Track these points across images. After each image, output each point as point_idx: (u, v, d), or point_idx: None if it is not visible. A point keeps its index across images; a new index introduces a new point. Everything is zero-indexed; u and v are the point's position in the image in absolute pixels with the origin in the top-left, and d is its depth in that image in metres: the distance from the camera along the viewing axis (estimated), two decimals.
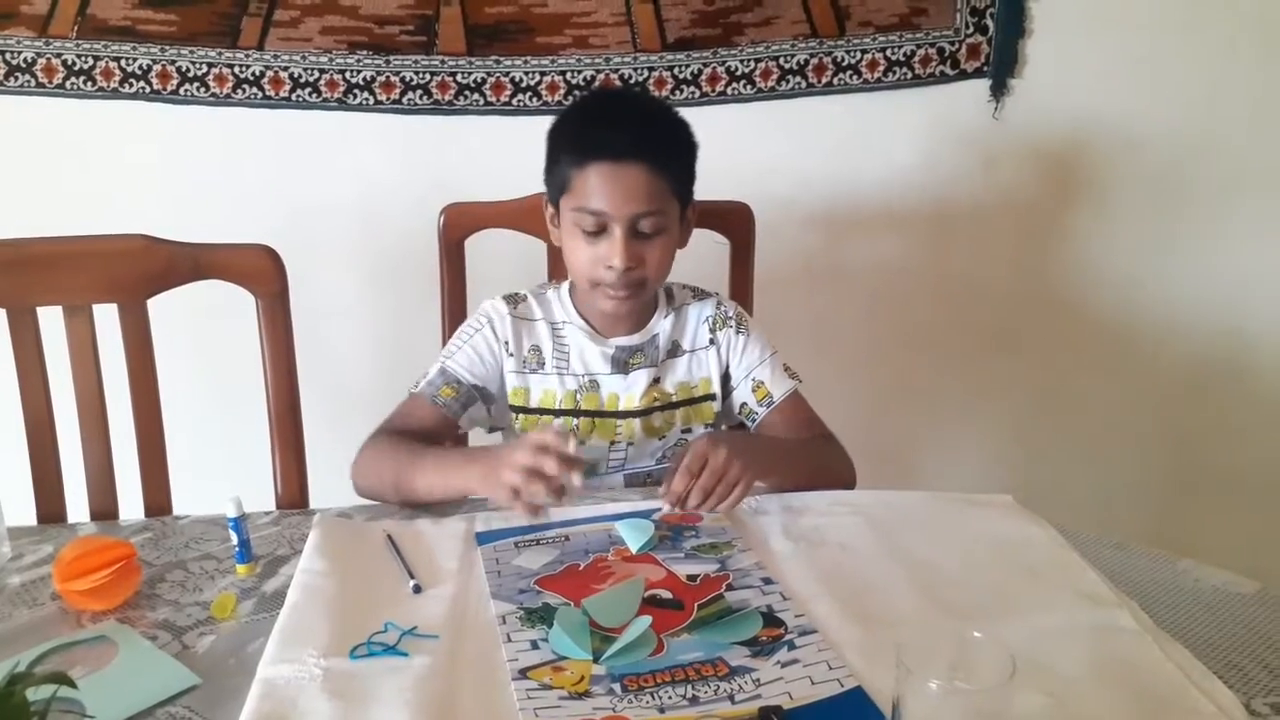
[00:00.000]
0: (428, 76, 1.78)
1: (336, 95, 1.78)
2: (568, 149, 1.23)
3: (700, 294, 1.38)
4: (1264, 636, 0.93)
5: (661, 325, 1.33)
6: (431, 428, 1.27)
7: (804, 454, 1.29)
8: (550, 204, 1.29)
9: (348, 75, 1.77)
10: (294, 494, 1.33)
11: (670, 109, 1.29)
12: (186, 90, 1.77)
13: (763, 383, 1.34)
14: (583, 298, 1.31)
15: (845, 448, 1.31)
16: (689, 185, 1.28)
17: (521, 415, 1.32)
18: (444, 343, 1.38)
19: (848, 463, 1.31)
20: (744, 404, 1.35)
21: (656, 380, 1.32)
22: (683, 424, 1.35)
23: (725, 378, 1.35)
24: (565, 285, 1.34)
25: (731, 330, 1.35)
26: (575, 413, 1.31)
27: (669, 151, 1.24)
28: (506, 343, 1.31)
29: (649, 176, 1.20)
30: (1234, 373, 2.03)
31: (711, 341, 1.34)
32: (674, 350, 1.33)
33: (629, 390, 1.31)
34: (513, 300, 1.34)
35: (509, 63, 1.78)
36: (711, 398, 1.35)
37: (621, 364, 1.31)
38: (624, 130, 1.21)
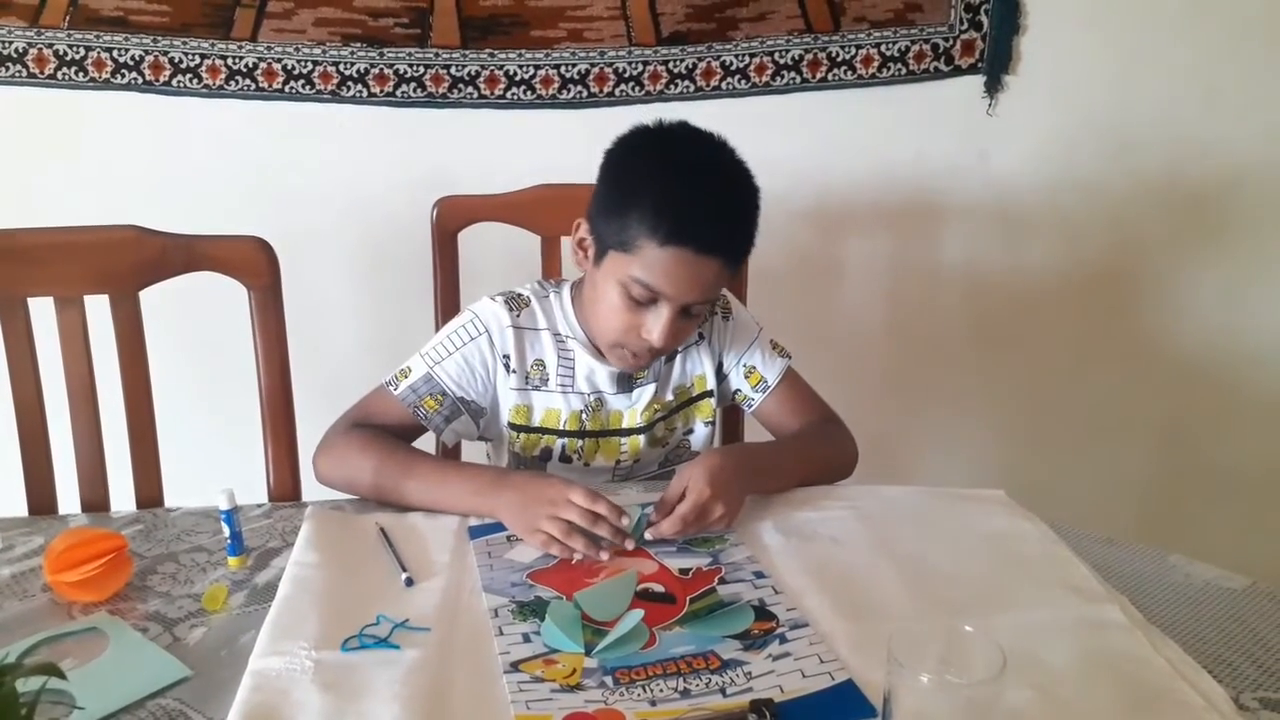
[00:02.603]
0: (422, 69, 1.77)
1: (330, 87, 1.78)
2: (648, 216, 1.10)
3: None
4: (1253, 631, 0.94)
5: None
6: (402, 430, 1.22)
7: (799, 456, 1.26)
8: (592, 236, 1.18)
9: (341, 67, 1.77)
10: (286, 486, 1.33)
11: (752, 181, 1.16)
12: (179, 81, 1.77)
13: (754, 368, 1.32)
14: (593, 334, 1.24)
15: (846, 426, 1.31)
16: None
17: (522, 434, 1.27)
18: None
19: (847, 444, 1.29)
20: (738, 390, 1.34)
21: (656, 391, 1.28)
22: (684, 426, 1.33)
23: (718, 366, 1.33)
24: (566, 292, 1.28)
25: (718, 317, 1.32)
26: (580, 434, 1.27)
27: (747, 250, 1.17)
28: (506, 357, 1.23)
29: (721, 270, 1.13)
30: (1225, 369, 2.04)
31: (700, 335, 1.31)
32: (670, 354, 1.30)
33: (633, 406, 1.28)
34: (514, 305, 1.25)
35: (503, 56, 1.78)
36: (709, 394, 1.32)
37: (626, 380, 1.27)
38: (716, 223, 1.11)
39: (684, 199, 1.11)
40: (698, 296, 1.14)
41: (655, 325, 1.14)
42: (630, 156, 1.17)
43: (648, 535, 1.07)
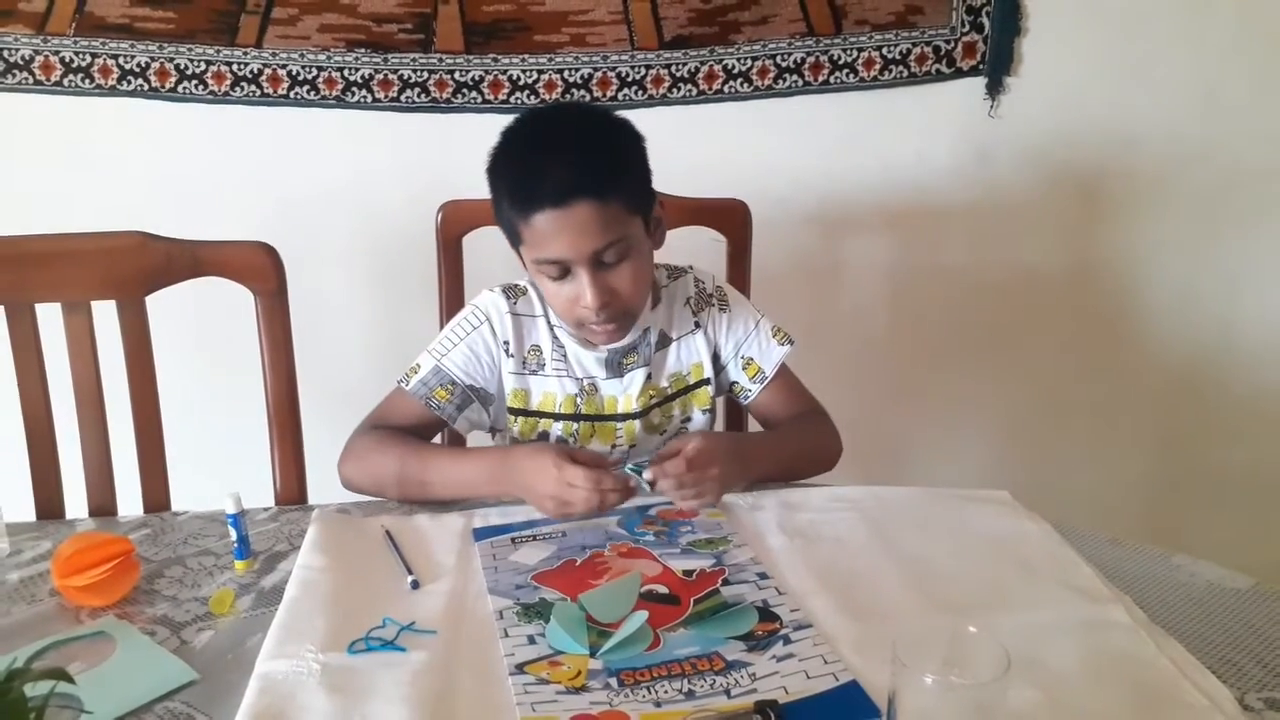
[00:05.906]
0: (425, 74, 1.78)
1: (335, 93, 1.78)
2: (508, 200, 1.14)
3: (675, 272, 1.35)
4: (1258, 632, 0.94)
5: (651, 318, 1.30)
6: (420, 426, 1.25)
7: (790, 445, 1.29)
8: (511, 246, 1.22)
9: (346, 73, 1.77)
10: (292, 490, 1.34)
11: (604, 119, 1.18)
12: (184, 88, 1.77)
13: (752, 359, 1.34)
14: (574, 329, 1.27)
15: (832, 420, 1.33)
16: (646, 192, 1.20)
17: (520, 418, 1.29)
18: None
19: (832, 437, 1.32)
20: (735, 382, 1.35)
21: (650, 377, 1.30)
22: (681, 414, 1.34)
23: (715, 356, 1.34)
24: None
25: (715, 309, 1.34)
26: (575, 417, 1.28)
27: (613, 175, 1.14)
28: (506, 343, 1.27)
29: (597, 209, 1.11)
30: (1228, 370, 2.04)
31: (696, 325, 1.33)
32: (663, 341, 1.32)
33: (626, 391, 1.29)
34: (512, 294, 1.29)
35: (506, 61, 1.78)
36: (705, 383, 1.34)
37: (616, 366, 1.29)
38: (557, 169, 1.11)
39: (518, 167, 1.15)
40: (596, 244, 1.12)
41: (583, 290, 1.15)
42: (490, 164, 1.20)
43: (646, 476, 1.07)
